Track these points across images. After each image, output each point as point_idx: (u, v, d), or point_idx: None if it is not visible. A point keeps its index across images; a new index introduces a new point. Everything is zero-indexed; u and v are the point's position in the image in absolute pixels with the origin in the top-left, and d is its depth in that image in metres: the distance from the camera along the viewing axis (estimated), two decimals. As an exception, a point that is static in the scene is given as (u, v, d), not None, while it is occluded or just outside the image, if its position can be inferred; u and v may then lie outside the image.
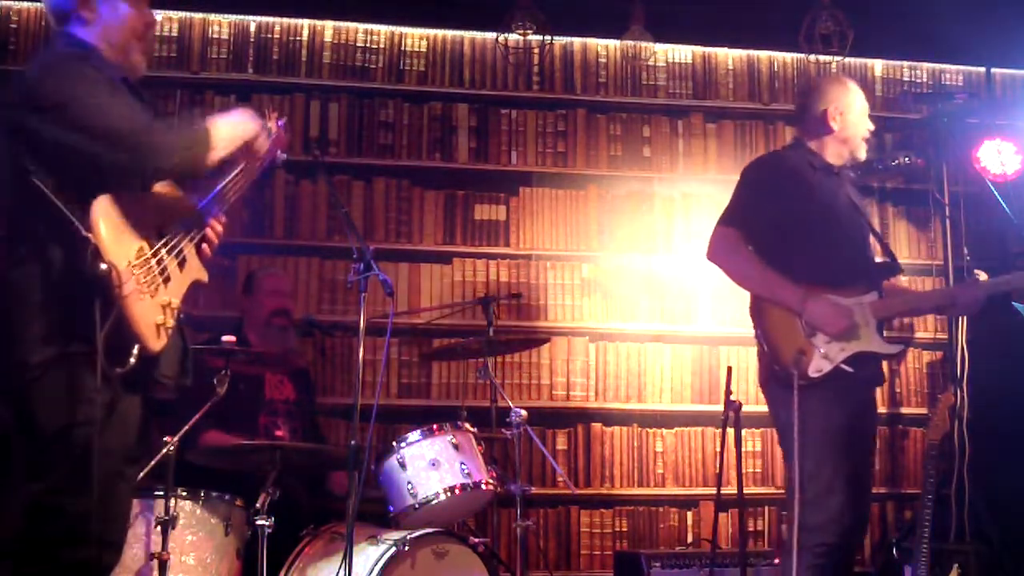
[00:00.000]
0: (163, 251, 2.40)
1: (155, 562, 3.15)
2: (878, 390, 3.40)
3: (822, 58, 4.90)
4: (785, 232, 3.27)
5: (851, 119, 3.40)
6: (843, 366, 3.14)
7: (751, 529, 4.97)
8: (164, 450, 3.17)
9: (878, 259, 3.44)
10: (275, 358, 3.99)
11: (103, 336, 2.21)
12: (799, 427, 3.05)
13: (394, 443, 3.65)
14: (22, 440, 2.26)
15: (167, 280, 2.39)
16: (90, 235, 2.22)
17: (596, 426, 4.98)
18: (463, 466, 3.60)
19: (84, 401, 2.25)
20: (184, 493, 3.32)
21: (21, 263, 2.28)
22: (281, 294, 4.32)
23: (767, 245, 3.29)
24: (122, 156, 2.29)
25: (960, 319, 4.77)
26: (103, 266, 2.21)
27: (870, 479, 3.31)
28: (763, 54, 5.38)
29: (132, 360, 2.26)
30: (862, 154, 3.44)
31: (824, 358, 3.14)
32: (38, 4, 4.88)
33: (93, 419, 2.25)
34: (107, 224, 2.25)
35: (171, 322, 2.37)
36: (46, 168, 2.28)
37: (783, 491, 3.43)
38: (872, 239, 3.44)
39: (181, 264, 2.47)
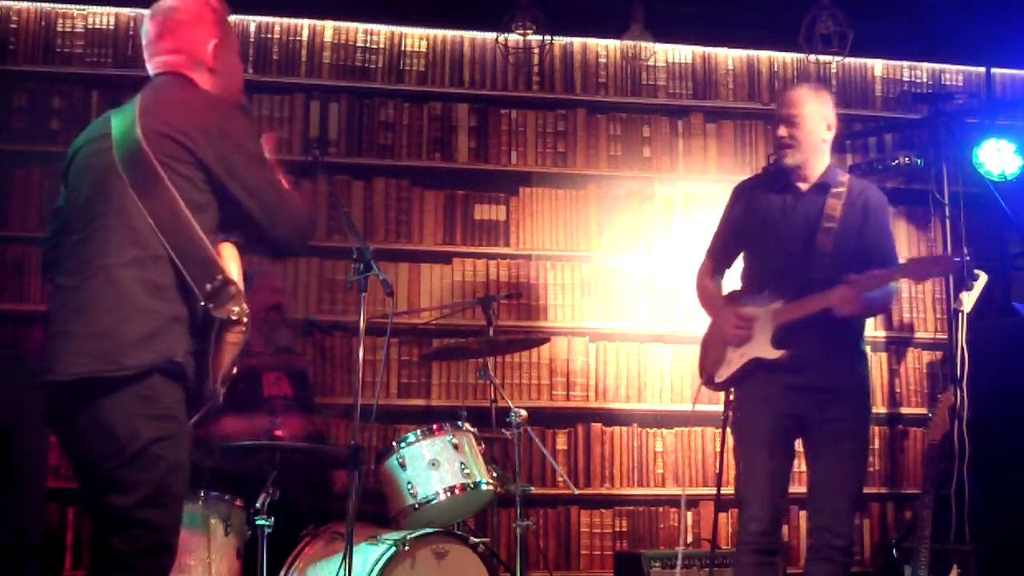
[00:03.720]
0: None
1: (155, 562, 3.14)
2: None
3: (822, 58, 4.90)
4: (743, 252, 3.61)
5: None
6: (739, 370, 3.40)
7: (751, 529, 4.96)
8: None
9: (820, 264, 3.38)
10: (273, 358, 3.99)
11: (217, 367, 2.37)
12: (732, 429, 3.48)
13: (394, 443, 3.66)
14: (103, 452, 2.28)
15: None
16: (232, 278, 2.35)
17: (596, 426, 4.98)
18: (463, 466, 3.60)
19: (168, 418, 2.31)
20: (183, 493, 3.31)
21: (138, 268, 2.32)
22: (275, 290, 4.33)
23: (740, 266, 3.62)
24: (281, 234, 2.47)
25: (960, 318, 4.76)
26: (237, 310, 2.34)
27: (832, 480, 3.30)
28: (763, 54, 5.39)
29: (221, 388, 2.41)
30: (785, 160, 3.42)
31: (728, 364, 3.44)
32: (38, 4, 4.89)
33: (176, 434, 2.31)
34: (238, 274, 2.40)
35: None
36: (195, 205, 2.35)
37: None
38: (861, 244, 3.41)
39: None
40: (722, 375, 3.46)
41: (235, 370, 2.43)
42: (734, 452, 3.56)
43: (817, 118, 3.41)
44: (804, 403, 3.32)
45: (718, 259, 3.65)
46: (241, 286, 2.38)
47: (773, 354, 3.33)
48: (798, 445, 3.45)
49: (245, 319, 2.36)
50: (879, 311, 3.55)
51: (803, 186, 3.45)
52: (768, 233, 3.46)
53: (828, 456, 3.32)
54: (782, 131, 3.41)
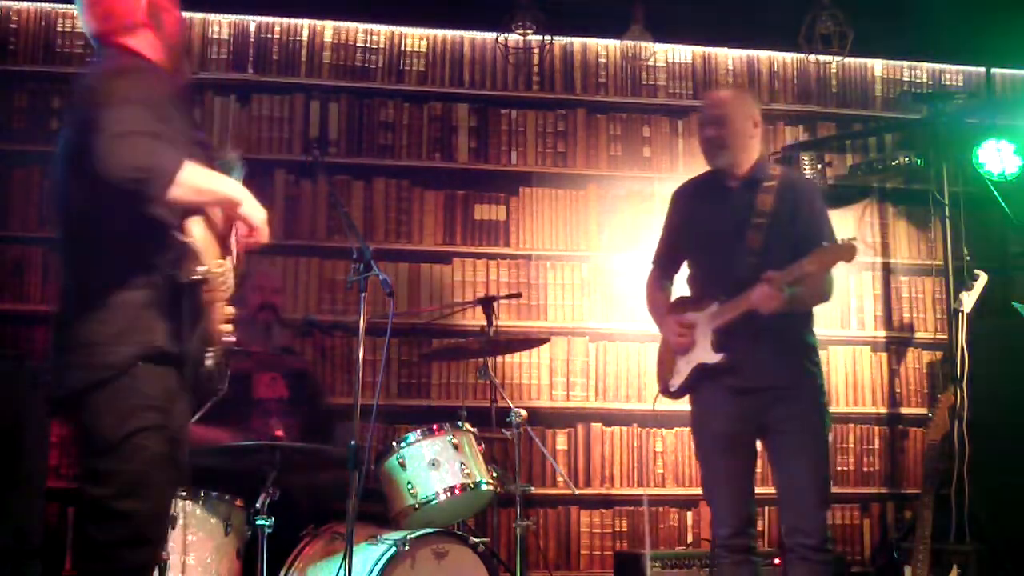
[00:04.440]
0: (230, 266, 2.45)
1: (155, 562, 3.14)
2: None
3: (822, 58, 4.90)
4: (683, 258, 3.60)
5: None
6: (688, 377, 3.41)
7: (751, 529, 4.96)
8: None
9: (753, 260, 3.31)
10: (270, 358, 3.98)
11: (195, 339, 2.29)
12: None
13: (394, 443, 3.65)
14: (85, 444, 2.29)
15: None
16: (190, 240, 2.26)
17: (596, 426, 4.99)
18: (463, 466, 3.60)
19: (151, 408, 2.29)
20: (184, 493, 3.32)
21: (101, 264, 2.30)
22: (268, 289, 4.30)
23: (685, 272, 3.61)
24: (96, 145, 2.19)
25: (960, 318, 4.76)
26: (201, 269, 2.26)
27: (795, 480, 3.27)
28: (763, 54, 5.39)
29: (210, 364, 2.34)
30: (716, 161, 3.43)
31: (678, 373, 3.45)
32: (38, 4, 4.89)
33: (160, 425, 2.29)
34: (200, 232, 2.31)
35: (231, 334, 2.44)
36: None
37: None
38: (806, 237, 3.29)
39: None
40: (674, 384, 3.47)
41: (232, 332, 2.40)
42: (696, 457, 3.58)
43: (743, 116, 3.42)
44: (752, 405, 3.29)
45: (664, 266, 3.66)
46: (200, 244, 2.29)
47: (714, 358, 3.33)
48: (760, 446, 3.43)
49: (211, 275, 2.30)
50: (810, 304, 3.38)
51: (734, 184, 3.43)
52: (703, 235, 3.47)
53: (787, 456, 3.29)
54: (710, 131, 3.42)
